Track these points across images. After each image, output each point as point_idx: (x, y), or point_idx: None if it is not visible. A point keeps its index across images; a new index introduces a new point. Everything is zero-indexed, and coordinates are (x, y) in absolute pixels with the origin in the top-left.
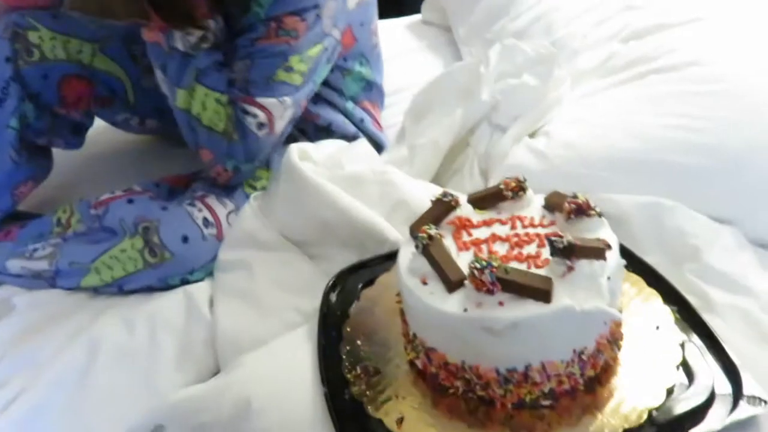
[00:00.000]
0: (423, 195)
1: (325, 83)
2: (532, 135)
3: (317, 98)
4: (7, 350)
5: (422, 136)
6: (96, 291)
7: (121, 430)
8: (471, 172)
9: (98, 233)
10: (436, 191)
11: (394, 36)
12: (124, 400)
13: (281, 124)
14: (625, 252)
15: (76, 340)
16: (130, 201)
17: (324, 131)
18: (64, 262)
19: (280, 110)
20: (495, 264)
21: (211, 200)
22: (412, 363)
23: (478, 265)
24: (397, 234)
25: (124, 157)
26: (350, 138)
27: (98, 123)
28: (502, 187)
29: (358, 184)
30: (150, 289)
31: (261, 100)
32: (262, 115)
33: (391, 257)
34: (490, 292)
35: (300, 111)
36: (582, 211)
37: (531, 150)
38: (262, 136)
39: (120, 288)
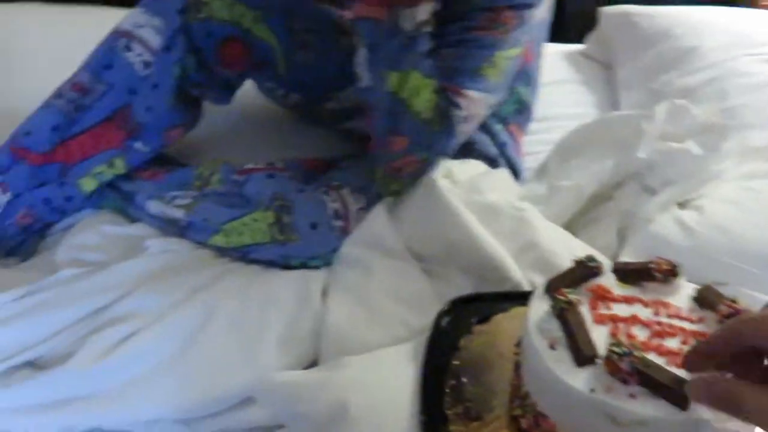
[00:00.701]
0: (557, 242)
1: None
2: (681, 205)
3: None
4: (135, 288)
5: (567, 178)
6: (221, 252)
7: (217, 392)
8: (608, 227)
9: (235, 198)
10: (573, 244)
11: (551, 62)
12: (225, 365)
13: (476, 122)
14: None
15: (196, 297)
16: (271, 176)
17: (465, 149)
18: (198, 217)
19: (481, 106)
20: (636, 354)
21: (346, 193)
22: (514, 418)
23: (618, 350)
24: (521, 275)
25: (272, 128)
26: (490, 160)
27: (253, 92)
28: (653, 266)
29: (492, 214)
30: (271, 264)
31: (467, 91)
32: (466, 107)
33: (509, 297)
34: (624, 381)
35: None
36: None
37: (678, 222)
38: (460, 130)
39: (244, 255)
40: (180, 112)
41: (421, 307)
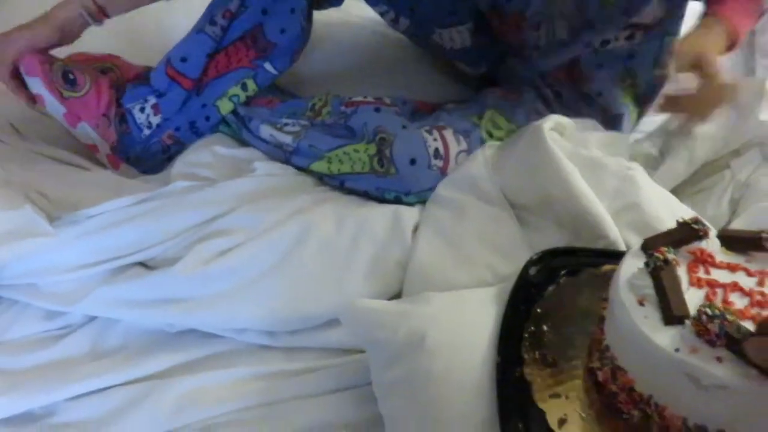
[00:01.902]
0: (661, 206)
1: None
2: None
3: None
4: (239, 205)
5: (681, 141)
6: (321, 179)
7: (303, 311)
8: (720, 196)
9: (341, 129)
10: (679, 209)
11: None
12: (313, 287)
13: None
14: None
15: (294, 218)
16: (377, 110)
17: (586, 98)
18: (305, 144)
19: None
20: (729, 318)
21: (448, 133)
22: (591, 370)
23: (709, 312)
24: (618, 234)
25: (384, 67)
26: (609, 115)
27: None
28: (764, 235)
29: (597, 169)
30: (366, 196)
31: None
32: None
33: (603, 254)
34: (711, 343)
35: None
36: None
37: None
38: None
39: (342, 183)
40: (307, 33)
41: (510, 254)
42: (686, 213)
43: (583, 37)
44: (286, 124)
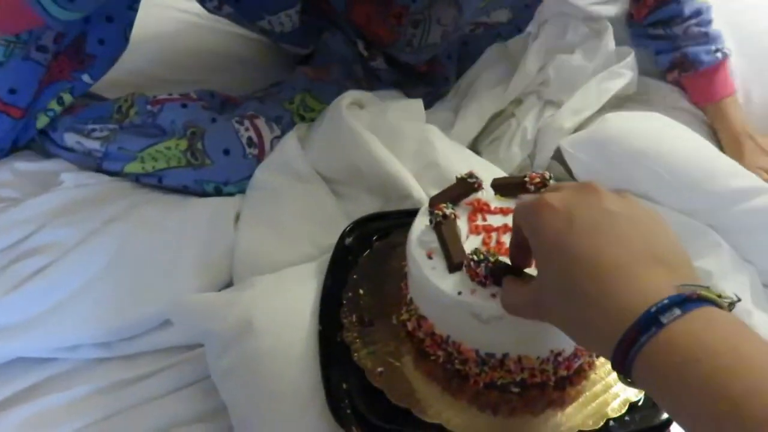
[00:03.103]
0: (456, 161)
1: None
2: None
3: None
4: (50, 220)
5: (470, 101)
6: (138, 180)
7: (134, 316)
8: (510, 141)
9: (150, 128)
10: (474, 160)
11: None
12: (141, 291)
13: None
14: None
15: (111, 226)
16: (184, 105)
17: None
18: (114, 147)
19: None
20: (492, 259)
21: (260, 122)
22: (404, 323)
23: (475, 258)
24: (422, 192)
25: (191, 60)
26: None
27: (181, 21)
28: (527, 179)
29: (396, 136)
30: (186, 191)
31: None
32: None
33: (412, 214)
34: (482, 284)
35: None
36: None
37: None
38: None
39: (159, 180)
40: (127, 40)
41: (329, 226)
42: (481, 165)
43: (450, 39)
44: (93, 130)
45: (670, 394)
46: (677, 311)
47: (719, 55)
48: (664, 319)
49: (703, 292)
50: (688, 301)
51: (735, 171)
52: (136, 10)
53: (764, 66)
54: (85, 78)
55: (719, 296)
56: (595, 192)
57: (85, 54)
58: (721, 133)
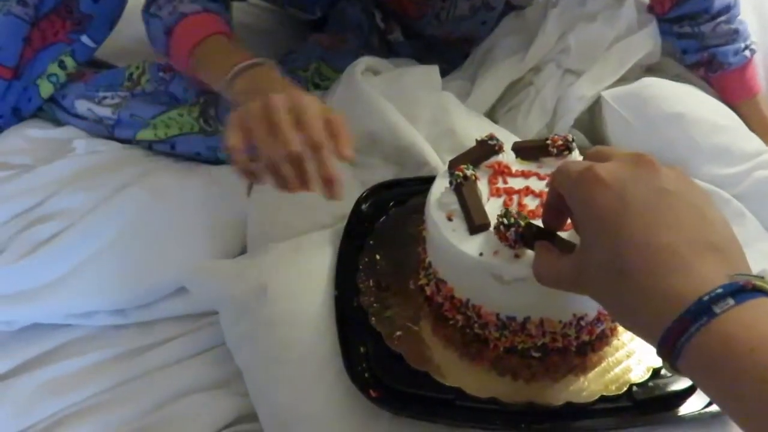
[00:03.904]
0: (472, 128)
1: None
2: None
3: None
4: (63, 187)
5: (486, 69)
6: (150, 148)
7: (149, 283)
8: (528, 111)
9: (162, 96)
10: (490, 127)
11: None
12: (156, 257)
13: None
14: None
15: (124, 192)
16: None
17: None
18: (126, 114)
19: None
20: (522, 222)
21: None
22: (422, 288)
23: (506, 221)
24: (438, 160)
25: None
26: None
27: None
28: (548, 142)
29: (412, 103)
30: (198, 159)
31: None
32: None
33: (428, 181)
34: (511, 246)
35: None
36: None
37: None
38: None
39: (172, 147)
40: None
41: (345, 195)
42: (498, 131)
43: (481, 16)
44: (104, 97)
45: (721, 384)
46: (731, 301)
47: (747, 53)
48: (717, 309)
49: (759, 283)
50: (742, 291)
51: (759, 143)
52: None
53: None
54: (85, 40)
55: None
56: (650, 167)
57: (80, 13)
58: (751, 126)
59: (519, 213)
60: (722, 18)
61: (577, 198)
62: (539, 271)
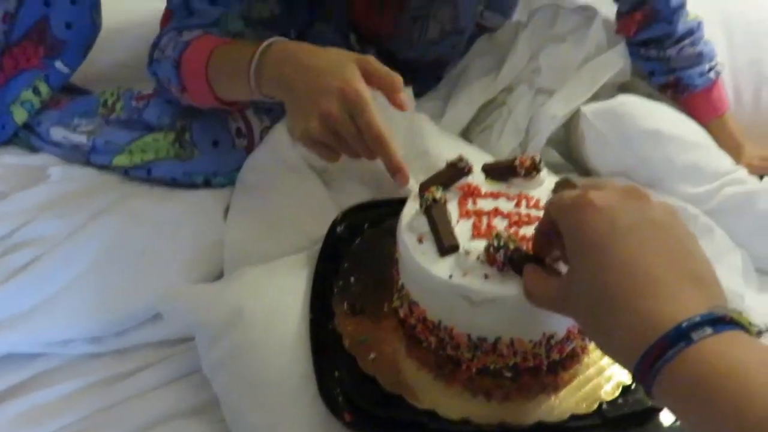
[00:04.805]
0: (446, 149)
1: None
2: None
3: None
4: (37, 214)
5: (460, 90)
6: (126, 173)
7: (125, 310)
8: (501, 130)
9: (137, 123)
10: (464, 148)
11: None
12: (132, 284)
13: None
14: None
15: (100, 219)
16: (170, 101)
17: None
18: (101, 141)
19: None
20: (511, 246)
21: (249, 113)
22: (395, 310)
23: (495, 243)
24: (413, 182)
25: None
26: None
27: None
28: (516, 163)
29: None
30: (174, 184)
31: None
32: None
33: (403, 202)
34: (499, 269)
35: None
36: None
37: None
38: None
39: (148, 172)
40: (98, 25)
41: (320, 217)
42: (472, 151)
43: (451, 40)
44: (79, 124)
45: (695, 410)
46: (709, 330)
47: (712, 75)
48: (695, 336)
49: (736, 316)
50: (721, 322)
51: (730, 161)
52: None
53: (755, 57)
54: (59, 65)
55: (749, 324)
56: (642, 198)
57: (53, 39)
58: (721, 144)
59: (509, 236)
60: (687, 41)
61: (569, 221)
62: (529, 290)
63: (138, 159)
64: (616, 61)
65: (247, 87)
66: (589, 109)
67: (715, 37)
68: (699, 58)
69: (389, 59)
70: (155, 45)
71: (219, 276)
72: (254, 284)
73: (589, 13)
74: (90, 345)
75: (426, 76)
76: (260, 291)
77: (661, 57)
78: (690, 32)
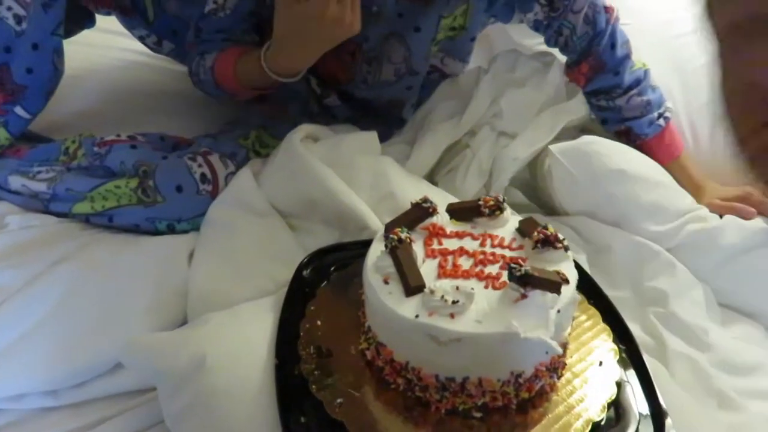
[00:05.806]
0: (412, 191)
1: None
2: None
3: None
4: None
5: (424, 133)
6: (87, 221)
7: (84, 361)
8: (465, 172)
9: (98, 170)
10: (428, 190)
11: None
12: (91, 334)
13: None
14: (589, 283)
15: (59, 268)
16: (133, 147)
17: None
18: (62, 188)
19: None
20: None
21: (214, 158)
22: (363, 352)
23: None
24: (379, 223)
25: (141, 101)
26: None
27: (130, 62)
28: (481, 203)
29: (351, 169)
30: (137, 231)
31: None
32: None
33: (368, 244)
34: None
35: None
36: (549, 242)
37: None
38: None
39: (110, 219)
40: (60, 70)
41: (286, 260)
42: (436, 194)
43: (406, 81)
44: (38, 172)
45: None
46: None
47: (661, 122)
48: None
49: None
50: None
51: (691, 200)
52: (60, 36)
53: (709, 98)
54: (19, 111)
55: None
56: None
57: (13, 84)
58: (681, 184)
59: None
60: (634, 91)
61: None
62: None
63: (99, 206)
64: (578, 108)
65: (264, 74)
66: (556, 148)
67: (669, 82)
68: (648, 107)
69: (349, 100)
70: (191, 72)
71: (183, 323)
72: (218, 330)
73: (547, 59)
74: (45, 398)
75: (387, 116)
76: (224, 336)
77: (612, 107)
78: (637, 82)
